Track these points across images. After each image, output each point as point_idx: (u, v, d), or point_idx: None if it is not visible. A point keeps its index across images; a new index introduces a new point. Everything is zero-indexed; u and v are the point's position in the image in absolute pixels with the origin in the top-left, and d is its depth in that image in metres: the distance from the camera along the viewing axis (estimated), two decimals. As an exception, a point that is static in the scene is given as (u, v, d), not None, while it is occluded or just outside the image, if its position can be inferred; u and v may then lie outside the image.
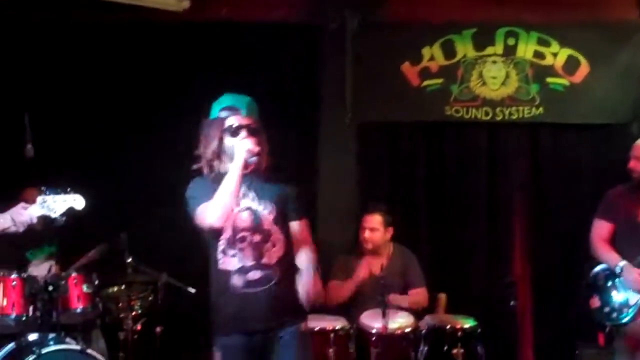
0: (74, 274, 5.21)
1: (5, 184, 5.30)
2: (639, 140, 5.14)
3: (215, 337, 3.80)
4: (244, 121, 3.69)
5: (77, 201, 3.87)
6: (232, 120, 3.69)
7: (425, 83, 6.38)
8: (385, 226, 5.67)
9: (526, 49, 6.34)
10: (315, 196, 6.31)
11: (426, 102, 6.30)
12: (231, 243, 3.67)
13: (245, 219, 3.69)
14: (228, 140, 3.67)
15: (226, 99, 3.78)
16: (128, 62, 6.24)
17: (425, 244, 6.18)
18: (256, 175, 3.72)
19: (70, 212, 3.88)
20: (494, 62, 6.37)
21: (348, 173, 6.32)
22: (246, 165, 3.61)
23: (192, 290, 5.55)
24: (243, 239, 3.67)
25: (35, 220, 3.89)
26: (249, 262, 3.65)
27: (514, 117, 6.31)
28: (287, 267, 3.72)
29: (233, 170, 3.58)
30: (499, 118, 6.33)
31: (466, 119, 6.30)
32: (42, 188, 3.83)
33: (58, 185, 3.88)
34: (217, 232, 3.64)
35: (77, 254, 5.63)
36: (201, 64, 6.24)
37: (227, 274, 3.65)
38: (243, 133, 3.66)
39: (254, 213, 3.70)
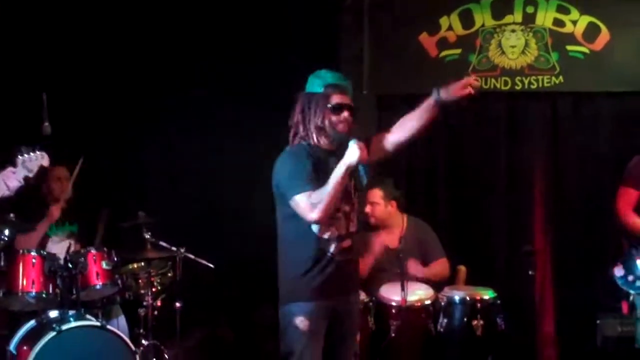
0: (93, 251, 5.23)
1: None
2: None
3: (296, 304, 3.81)
4: (348, 101, 3.87)
5: (44, 158, 3.89)
6: (338, 99, 3.83)
7: (444, 53, 6.33)
8: (386, 200, 5.62)
9: (545, 17, 6.24)
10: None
11: (445, 72, 6.22)
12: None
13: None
14: (331, 117, 3.80)
15: (329, 76, 3.91)
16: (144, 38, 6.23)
17: (444, 215, 6.14)
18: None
19: (40, 171, 3.94)
20: (513, 30, 6.29)
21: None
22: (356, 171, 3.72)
23: (211, 266, 5.57)
24: (339, 209, 3.79)
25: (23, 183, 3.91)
26: (343, 231, 3.82)
27: (534, 86, 6.23)
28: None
29: (342, 169, 3.65)
30: (518, 88, 6.26)
31: (485, 89, 6.23)
32: (20, 148, 3.84)
33: (28, 145, 3.92)
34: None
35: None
36: (216, 37, 6.22)
37: (326, 242, 3.78)
38: (346, 113, 3.83)
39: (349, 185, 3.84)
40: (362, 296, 5.13)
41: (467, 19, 6.29)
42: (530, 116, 6.32)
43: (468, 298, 5.12)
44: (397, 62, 6.30)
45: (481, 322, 5.04)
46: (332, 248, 3.79)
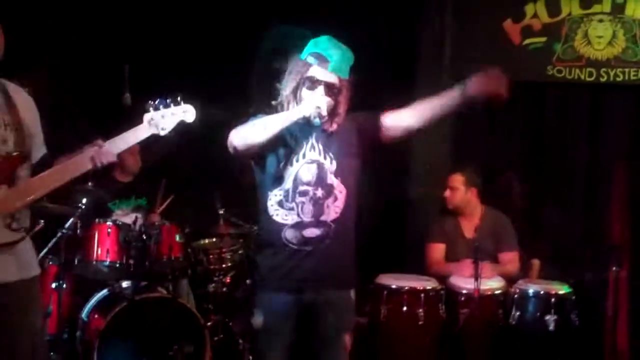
0: (167, 224, 5.28)
1: (104, 133, 5.37)
2: None
3: (258, 295, 3.58)
4: (327, 77, 3.49)
5: (187, 113, 3.45)
6: (315, 72, 3.48)
7: (527, 41, 6.20)
8: (467, 186, 5.51)
9: (635, 8, 6.07)
10: (409, 154, 6.24)
11: (527, 61, 6.11)
12: (291, 195, 3.48)
13: (310, 172, 3.52)
14: (304, 90, 3.50)
15: (321, 44, 3.54)
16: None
17: (521, 207, 6.02)
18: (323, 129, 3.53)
19: (179, 127, 3.45)
20: (601, 20, 6.12)
21: (443, 132, 6.21)
22: (308, 121, 3.40)
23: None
24: (305, 193, 3.49)
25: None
26: (308, 218, 3.47)
27: (620, 79, 6.06)
28: (345, 226, 3.58)
29: (285, 116, 3.44)
30: (603, 79, 6.09)
31: (569, 79, 6.09)
32: (150, 102, 3.40)
33: (164, 97, 3.48)
34: (276, 180, 3.49)
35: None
36: (299, 15, 6.19)
37: (281, 226, 3.47)
38: (320, 89, 3.48)
39: (320, 167, 3.52)
40: (434, 283, 5.10)
41: (553, 7, 6.15)
42: (614, 109, 6.15)
43: (542, 292, 5.02)
44: (479, 49, 6.18)
45: (555, 317, 4.93)
46: (288, 235, 3.47)
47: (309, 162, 3.53)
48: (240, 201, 5.71)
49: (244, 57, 6.21)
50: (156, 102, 3.42)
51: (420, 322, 4.94)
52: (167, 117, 3.43)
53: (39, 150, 3.43)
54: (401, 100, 6.11)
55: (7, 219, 3.21)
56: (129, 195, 5.75)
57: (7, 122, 3.26)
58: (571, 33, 6.13)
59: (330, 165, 3.53)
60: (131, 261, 5.08)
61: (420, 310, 4.95)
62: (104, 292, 5.12)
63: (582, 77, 6.11)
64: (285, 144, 3.51)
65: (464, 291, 5.01)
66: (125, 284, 5.12)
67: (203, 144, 6.13)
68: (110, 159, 3.32)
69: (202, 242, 5.80)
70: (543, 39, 6.19)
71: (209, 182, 5.82)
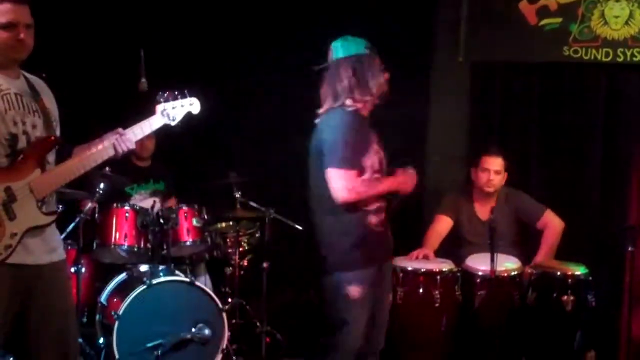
0: (184, 208, 5.31)
1: (120, 117, 5.39)
2: None
3: (352, 272, 3.86)
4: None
5: (193, 105, 3.76)
6: (379, 60, 3.90)
7: (543, 22, 6.14)
8: (504, 170, 5.53)
9: (652, -13, 6.02)
10: (426, 137, 6.23)
11: (543, 41, 6.05)
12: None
13: (379, 161, 3.91)
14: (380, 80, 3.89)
15: (359, 38, 3.93)
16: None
17: (536, 188, 5.99)
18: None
19: (186, 118, 3.73)
20: (617, 0, 6.06)
21: (460, 113, 6.21)
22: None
23: (300, 228, 5.58)
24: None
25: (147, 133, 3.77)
26: (380, 203, 3.89)
27: (637, 58, 5.98)
28: None
29: (391, 188, 3.91)
30: (620, 60, 6.03)
31: (585, 60, 6.04)
32: (160, 93, 3.70)
33: (172, 90, 3.76)
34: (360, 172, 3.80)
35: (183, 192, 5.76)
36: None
37: (366, 213, 3.84)
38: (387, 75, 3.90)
39: (381, 155, 3.94)
40: (450, 265, 5.12)
41: (568, -14, 6.10)
42: (630, 89, 6.10)
43: (559, 273, 5.02)
44: (494, 29, 6.14)
45: (571, 297, 4.94)
46: (370, 218, 3.85)
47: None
48: (257, 185, 5.75)
49: (258, 41, 6.23)
50: (166, 94, 3.69)
51: (436, 304, 4.98)
52: (177, 109, 3.70)
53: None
54: (418, 83, 6.19)
55: (39, 202, 3.32)
56: (147, 179, 5.79)
57: (35, 109, 3.41)
58: (587, 13, 6.07)
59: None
60: (149, 245, 5.13)
61: (437, 292, 4.98)
62: (123, 275, 5.16)
63: (599, 57, 6.06)
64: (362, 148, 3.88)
65: (480, 272, 5.03)
66: (143, 267, 5.17)
67: (220, 127, 6.19)
68: (130, 146, 3.53)
69: (219, 225, 5.83)
70: (559, 20, 6.13)
71: (226, 165, 5.83)
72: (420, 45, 6.23)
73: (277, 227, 5.67)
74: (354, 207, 3.80)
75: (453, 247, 5.52)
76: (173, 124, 3.70)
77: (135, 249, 5.11)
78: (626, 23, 6.04)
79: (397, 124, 5.73)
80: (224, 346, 5.05)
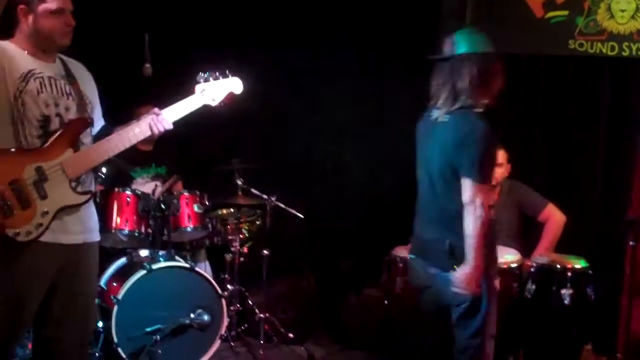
0: (186, 194, 5.31)
1: (124, 103, 5.39)
2: None
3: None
4: None
5: (236, 85, 3.74)
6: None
7: (550, 14, 6.12)
8: (507, 162, 5.52)
9: (659, -19, 5.99)
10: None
11: (549, 34, 6.03)
12: None
13: None
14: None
15: (483, 35, 3.79)
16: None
17: (539, 180, 5.98)
18: None
19: (228, 98, 3.74)
20: (623, -7, 6.05)
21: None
22: None
23: (300, 216, 5.59)
24: None
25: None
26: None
27: (642, 53, 6.00)
28: None
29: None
30: (625, 54, 6.00)
31: (590, 53, 6.02)
32: (200, 74, 3.70)
33: (214, 71, 3.78)
34: None
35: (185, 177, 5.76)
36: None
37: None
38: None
39: None
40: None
41: (575, -20, 6.08)
42: (635, 84, 6.08)
43: (559, 266, 5.02)
44: (500, 21, 6.11)
45: (570, 291, 4.93)
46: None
47: None
48: (259, 172, 5.75)
49: (263, 29, 6.23)
50: (206, 75, 3.71)
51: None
52: (217, 89, 3.73)
53: (98, 120, 3.69)
54: (421, 67, 6.15)
55: (72, 182, 3.40)
56: (149, 163, 5.79)
57: (69, 92, 3.48)
58: (594, 6, 6.04)
59: None
60: (150, 230, 5.13)
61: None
62: (123, 260, 5.18)
63: (605, 51, 6.04)
64: None
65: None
66: (143, 252, 5.18)
67: (223, 114, 6.17)
68: (167, 127, 3.62)
69: (220, 212, 5.83)
70: (565, 13, 6.10)
71: (229, 152, 5.83)
72: (426, 36, 6.20)
73: (279, 215, 5.67)
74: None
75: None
76: (214, 104, 3.71)
77: (136, 234, 5.10)
78: (632, 17, 6.01)
79: (399, 113, 5.73)
80: (223, 332, 5.07)
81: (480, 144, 3.58)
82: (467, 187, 3.59)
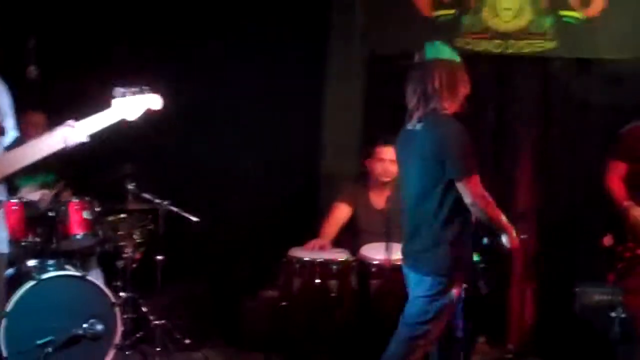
0: (75, 200, 5.18)
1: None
2: None
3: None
4: None
5: (153, 101, 3.69)
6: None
7: (437, 13, 6.23)
8: None
9: (541, -20, 6.17)
10: (321, 125, 6.24)
11: (436, 32, 6.12)
12: None
13: None
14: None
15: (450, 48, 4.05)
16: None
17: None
18: None
19: (145, 115, 3.67)
20: (508, -8, 6.20)
21: (355, 105, 6.23)
22: None
23: (195, 219, 5.51)
24: None
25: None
26: None
27: (526, 50, 6.15)
28: None
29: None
30: (510, 51, 6.18)
31: (477, 51, 6.16)
32: (116, 89, 3.63)
33: (131, 85, 3.68)
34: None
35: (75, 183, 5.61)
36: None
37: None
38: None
39: None
40: (346, 255, 5.13)
41: (460, -22, 6.20)
42: (521, 81, 6.25)
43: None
44: (389, 19, 6.20)
45: (464, 285, 5.01)
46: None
47: None
48: (153, 176, 5.66)
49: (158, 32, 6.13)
50: (123, 89, 3.63)
51: (332, 294, 4.99)
52: (135, 104, 3.64)
53: (10, 131, 3.66)
54: (314, 74, 6.18)
55: None
56: (36, 171, 5.60)
57: None
58: (479, 5, 6.18)
59: None
60: (38, 239, 4.98)
61: (333, 282, 4.99)
62: (10, 271, 4.98)
63: (490, 48, 6.19)
64: None
65: (375, 262, 5.04)
66: (31, 262, 5.01)
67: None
68: (81, 139, 3.53)
69: (110, 218, 5.70)
70: (452, 11, 6.23)
71: (118, 157, 5.71)
72: (317, 36, 6.23)
73: (173, 220, 5.58)
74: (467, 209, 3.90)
75: (349, 237, 5.53)
76: (131, 119, 3.64)
77: (23, 243, 4.95)
78: (516, 16, 6.18)
79: (293, 114, 5.74)
80: (118, 341, 4.96)
81: (455, 143, 3.81)
82: (463, 190, 3.81)
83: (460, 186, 3.80)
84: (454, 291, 3.98)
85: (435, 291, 3.94)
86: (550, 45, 6.15)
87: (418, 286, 4.02)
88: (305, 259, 5.06)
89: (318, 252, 5.18)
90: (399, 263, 4.99)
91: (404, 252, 4.20)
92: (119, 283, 5.55)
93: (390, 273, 4.97)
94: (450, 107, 3.92)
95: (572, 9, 6.15)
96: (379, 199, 5.49)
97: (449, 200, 3.85)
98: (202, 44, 6.16)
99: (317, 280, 5.00)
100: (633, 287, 4.91)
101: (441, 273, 3.93)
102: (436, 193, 3.85)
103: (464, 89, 3.97)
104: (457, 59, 3.98)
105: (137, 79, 3.74)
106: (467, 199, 3.81)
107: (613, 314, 5.14)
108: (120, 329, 4.97)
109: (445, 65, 3.93)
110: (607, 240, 4.94)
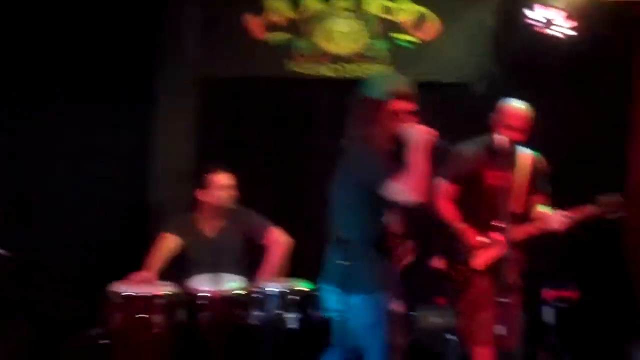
0: None
1: None
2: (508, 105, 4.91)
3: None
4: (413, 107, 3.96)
5: None
6: (402, 105, 3.93)
7: (270, 36, 6.13)
8: (233, 187, 5.38)
9: (374, 4, 6.15)
10: (151, 154, 6.01)
11: (268, 56, 6.05)
12: None
13: None
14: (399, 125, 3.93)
15: (384, 83, 4.03)
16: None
17: (267, 203, 5.90)
18: None
19: None
20: (342, 16, 6.15)
21: (186, 131, 6.05)
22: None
23: (6, 253, 5.17)
24: None
25: None
26: None
27: (361, 74, 6.09)
28: None
29: (417, 151, 3.79)
30: (345, 75, 6.13)
31: (311, 75, 6.08)
32: None
33: None
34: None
35: None
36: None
37: None
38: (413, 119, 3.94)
39: None
40: (172, 289, 4.90)
41: (294, 2, 6.13)
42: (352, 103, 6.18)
43: (281, 290, 4.94)
44: (220, 44, 6.07)
45: (294, 314, 4.88)
46: None
47: None
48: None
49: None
50: None
51: (156, 329, 4.74)
52: None
53: None
54: (140, 92, 5.95)
55: None
56: None
57: None
58: (313, 29, 6.12)
59: None
60: None
61: (157, 316, 4.75)
62: None
63: (325, 72, 6.13)
64: None
65: (204, 294, 4.84)
66: None
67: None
68: None
69: None
70: (287, 35, 6.15)
71: None
72: (146, 60, 6.01)
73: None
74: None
75: (179, 268, 5.29)
76: None
77: None
78: (351, 39, 6.14)
79: (120, 142, 5.50)
80: None
81: (375, 172, 3.86)
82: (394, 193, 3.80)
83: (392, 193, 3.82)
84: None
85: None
86: (386, 69, 6.13)
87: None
88: (126, 293, 4.79)
89: (142, 286, 4.92)
90: (228, 294, 4.84)
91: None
92: None
93: (219, 304, 4.80)
94: (376, 139, 3.97)
95: (408, 33, 6.17)
96: (210, 228, 5.30)
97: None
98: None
99: (140, 315, 4.74)
100: (462, 309, 4.87)
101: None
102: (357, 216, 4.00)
103: (390, 125, 3.96)
104: (383, 97, 3.96)
105: None
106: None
107: (449, 336, 5.15)
108: None
109: (370, 103, 4.00)
110: (437, 262, 4.89)
